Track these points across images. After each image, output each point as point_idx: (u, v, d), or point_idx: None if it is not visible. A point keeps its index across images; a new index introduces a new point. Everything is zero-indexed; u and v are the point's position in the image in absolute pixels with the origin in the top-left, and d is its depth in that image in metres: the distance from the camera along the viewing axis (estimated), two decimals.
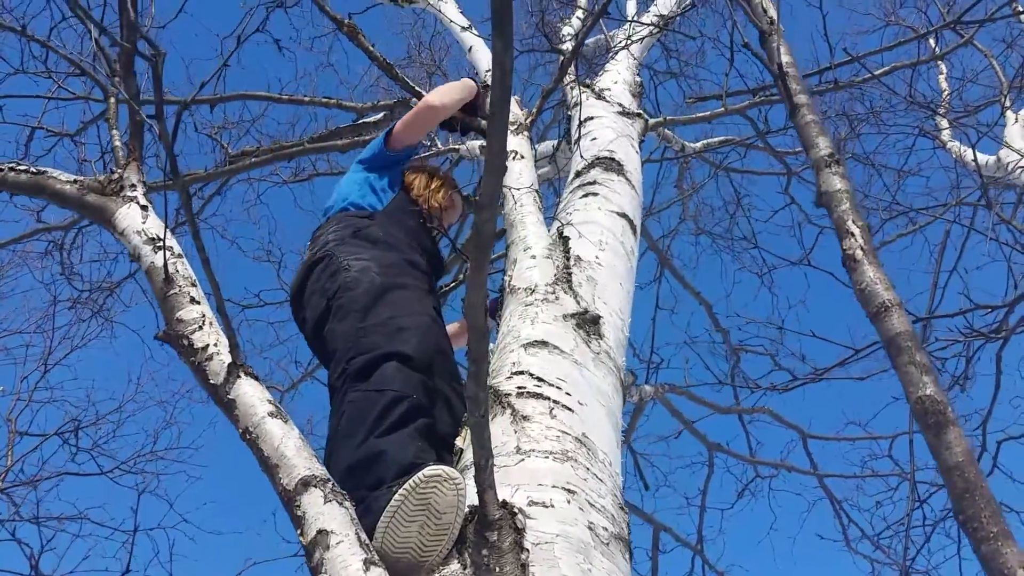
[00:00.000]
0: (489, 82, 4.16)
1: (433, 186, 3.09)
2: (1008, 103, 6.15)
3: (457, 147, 6.02)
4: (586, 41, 5.70)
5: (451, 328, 3.14)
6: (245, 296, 6.70)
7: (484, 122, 3.52)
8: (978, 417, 4.38)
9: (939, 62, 7.21)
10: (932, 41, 6.53)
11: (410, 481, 1.84)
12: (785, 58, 2.11)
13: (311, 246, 2.75)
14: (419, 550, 1.77)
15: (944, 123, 6.70)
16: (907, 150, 6.69)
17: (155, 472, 7.93)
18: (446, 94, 3.06)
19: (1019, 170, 5.18)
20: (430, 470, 1.84)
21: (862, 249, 1.68)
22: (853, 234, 1.71)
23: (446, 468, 1.85)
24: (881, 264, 1.69)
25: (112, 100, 2.99)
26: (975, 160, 5.03)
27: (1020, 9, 5.74)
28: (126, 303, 6.84)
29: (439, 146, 6.14)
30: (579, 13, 5.58)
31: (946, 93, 7.24)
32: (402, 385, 2.21)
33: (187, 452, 8.29)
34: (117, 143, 2.80)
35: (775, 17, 2.20)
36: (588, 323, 2.62)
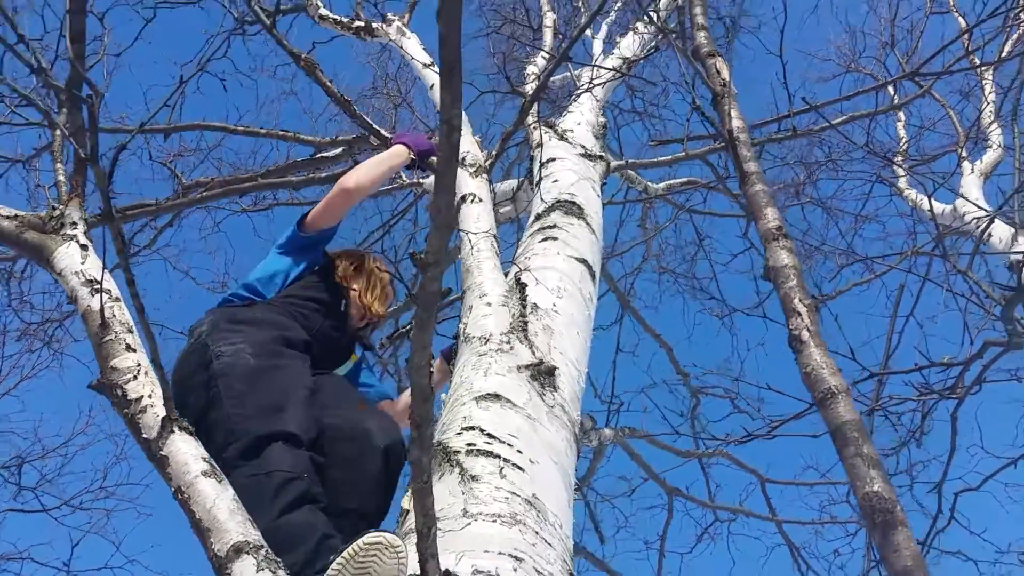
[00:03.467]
0: None
1: (356, 271, 3.01)
2: (964, 153, 6.24)
3: (420, 181, 5.97)
4: (552, 78, 5.70)
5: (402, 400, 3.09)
6: None
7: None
8: (934, 464, 4.38)
9: (898, 111, 7.32)
10: (891, 90, 6.63)
11: (350, 548, 1.75)
12: (736, 123, 2.08)
13: (188, 338, 2.57)
14: None
15: (901, 171, 6.79)
16: (864, 196, 6.77)
17: (103, 509, 7.69)
18: (365, 174, 2.94)
19: (974, 220, 5.24)
20: (370, 537, 1.76)
21: (808, 330, 1.64)
22: (800, 313, 1.67)
23: (387, 535, 1.77)
24: (826, 346, 1.64)
25: (58, 132, 2.89)
26: (931, 209, 5.08)
27: (977, 62, 5.84)
28: (76, 337, 6.64)
29: (404, 179, 6.09)
30: (543, 53, 5.58)
31: (904, 141, 7.35)
32: (291, 466, 2.12)
33: (138, 488, 8.05)
34: (61, 178, 2.70)
35: (727, 79, 2.18)
36: (543, 375, 2.56)
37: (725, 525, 6.75)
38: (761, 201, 1.98)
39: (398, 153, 3.13)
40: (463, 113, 3.75)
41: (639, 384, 6.72)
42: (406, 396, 3.09)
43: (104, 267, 2.30)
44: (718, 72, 2.22)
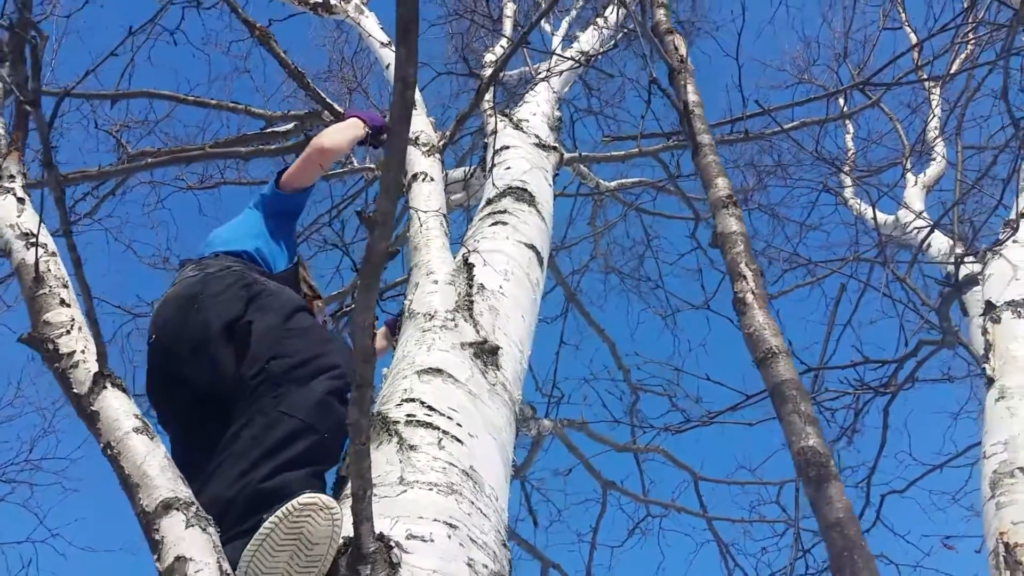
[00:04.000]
0: None
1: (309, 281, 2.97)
2: (909, 165, 6.39)
3: (372, 166, 5.93)
4: (509, 72, 5.70)
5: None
6: (137, 304, 6.39)
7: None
8: (864, 469, 4.48)
9: (846, 122, 7.47)
10: (841, 101, 6.76)
11: (283, 508, 1.73)
12: (692, 97, 2.11)
13: (190, 271, 2.50)
14: None
15: (847, 180, 6.92)
16: (811, 204, 6.89)
17: (27, 482, 7.50)
18: (335, 137, 2.93)
19: (915, 231, 5.37)
20: (305, 498, 1.74)
21: (753, 293, 1.67)
22: (745, 277, 1.71)
23: (322, 496, 1.76)
24: (770, 310, 1.68)
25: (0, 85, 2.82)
26: (875, 218, 5.19)
27: (925, 76, 5.99)
28: (8, 303, 6.46)
29: (355, 164, 6.04)
30: (503, 42, 5.58)
31: (851, 152, 7.50)
32: (319, 418, 2.09)
33: (64, 463, 7.86)
34: (0, 131, 2.63)
35: (684, 55, 2.21)
36: (486, 353, 2.56)
37: (657, 520, 6.83)
38: (713, 171, 2.01)
39: (355, 124, 3.10)
40: (417, 93, 3.74)
41: (580, 378, 6.75)
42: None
43: (41, 221, 2.24)
44: (676, 48, 2.25)
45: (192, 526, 1.67)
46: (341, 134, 2.97)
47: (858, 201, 6.91)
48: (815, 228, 6.72)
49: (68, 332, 2.03)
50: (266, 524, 1.73)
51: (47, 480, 7.83)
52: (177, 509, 1.69)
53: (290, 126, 4.09)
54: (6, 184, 2.42)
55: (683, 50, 2.23)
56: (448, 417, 2.21)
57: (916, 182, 6.39)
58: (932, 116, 6.54)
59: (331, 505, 1.75)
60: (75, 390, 1.93)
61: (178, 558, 1.62)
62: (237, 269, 2.46)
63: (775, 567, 5.69)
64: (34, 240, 2.19)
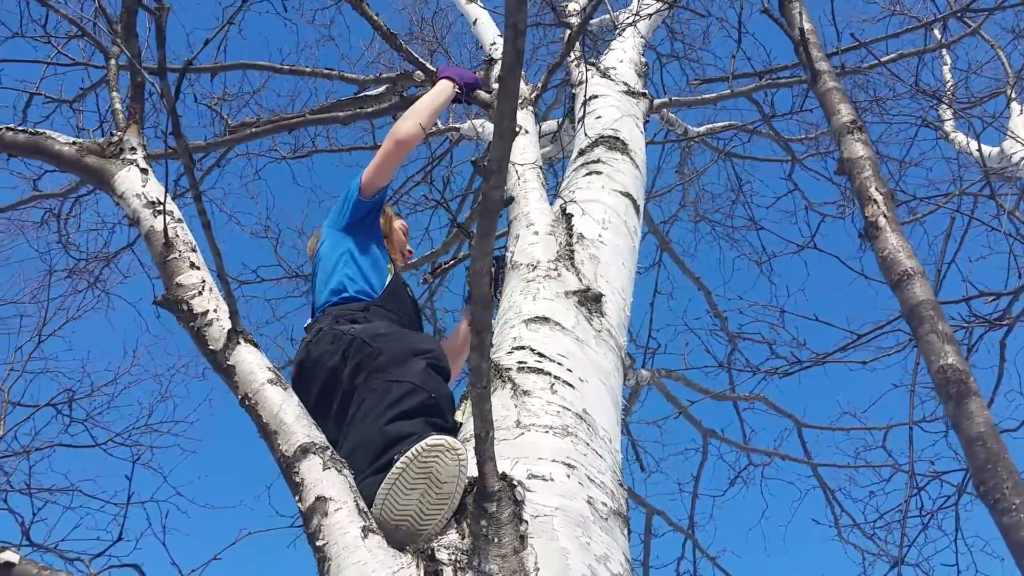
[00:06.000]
0: (494, 56, 4.12)
1: (390, 220, 3.06)
2: (1014, 94, 6.12)
3: (458, 126, 5.98)
4: (592, 21, 5.65)
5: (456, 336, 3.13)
6: (242, 272, 6.64)
7: (487, 95, 3.48)
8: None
9: (944, 52, 7.17)
10: (937, 32, 6.48)
11: (412, 449, 1.82)
12: (806, 24, 2.07)
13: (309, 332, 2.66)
14: (418, 519, 1.76)
15: (948, 113, 6.66)
16: (909, 140, 6.66)
17: (149, 445, 7.89)
18: (414, 120, 2.91)
19: (1022, 161, 5.16)
20: (432, 439, 1.82)
21: (885, 216, 1.66)
22: (876, 201, 1.69)
23: (448, 438, 1.84)
24: (902, 231, 1.66)
25: (113, 62, 2.95)
26: (979, 150, 5.00)
27: None
28: (124, 273, 6.78)
29: (439, 125, 6.10)
30: None
31: (950, 84, 7.20)
32: (424, 381, 2.25)
33: (182, 426, 8.25)
34: (117, 106, 2.76)
35: None
36: (590, 301, 2.60)
37: (759, 469, 6.79)
38: (834, 98, 1.98)
39: (443, 89, 3.14)
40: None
41: (675, 328, 6.71)
42: (462, 328, 3.14)
43: (166, 189, 2.36)
44: None
45: (329, 468, 1.77)
46: (423, 113, 2.97)
47: (960, 135, 6.65)
48: (915, 164, 6.50)
49: (200, 293, 2.14)
50: (397, 464, 1.82)
51: (167, 442, 8.23)
52: (314, 453, 1.80)
53: (382, 88, 4.16)
54: (128, 156, 2.54)
55: None
56: (558, 363, 2.26)
57: (1022, 110, 6.11)
58: None
59: (457, 446, 1.82)
60: (211, 347, 2.05)
61: (318, 498, 1.72)
62: (328, 322, 2.58)
63: (883, 511, 5.62)
64: (161, 208, 2.32)
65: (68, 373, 9.37)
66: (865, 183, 1.75)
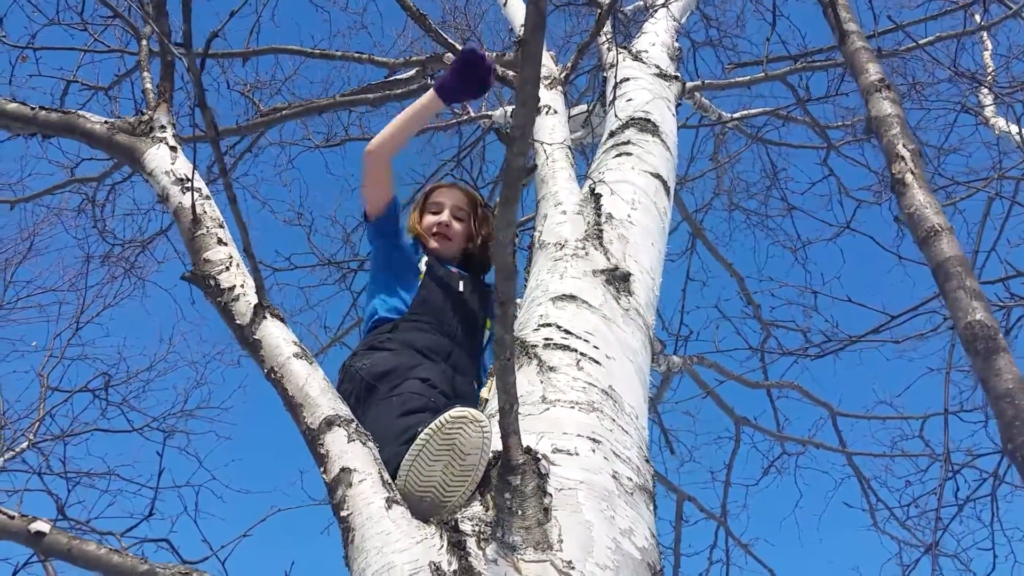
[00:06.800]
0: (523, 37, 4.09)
1: (418, 213, 2.99)
2: None
3: (489, 114, 5.97)
4: (626, 8, 5.60)
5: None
6: (275, 259, 6.69)
7: (512, 73, 3.45)
8: None
9: (984, 36, 7.02)
10: (977, 17, 6.35)
11: (436, 421, 1.82)
12: None
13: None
14: (442, 490, 1.75)
15: (988, 98, 6.53)
16: (948, 126, 6.53)
17: (184, 430, 8.01)
18: (383, 132, 2.75)
19: None
20: (456, 411, 1.82)
21: (912, 173, 1.62)
22: (903, 157, 1.65)
23: (472, 410, 1.83)
24: (929, 187, 1.62)
25: (144, 43, 2.97)
26: (1021, 133, 4.89)
27: None
28: (159, 259, 6.88)
29: (471, 113, 6.09)
30: None
31: (991, 69, 7.05)
32: (420, 393, 2.25)
33: (216, 412, 8.36)
34: (148, 85, 2.78)
35: None
36: (618, 280, 2.58)
37: (793, 459, 6.72)
38: (863, 57, 1.95)
39: (424, 98, 2.91)
40: None
41: (707, 316, 6.66)
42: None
43: (194, 167, 2.38)
44: None
45: (353, 440, 1.77)
46: (388, 126, 2.77)
47: (1001, 120, 6.51)
48: (954, 151, 6.38)
49: (227, 268, 2.16)
50: (420, 436, 1.82)
51: (203, 428, 8.34)
52: (339, 425, 1.80)
53: (412, 72, 4.16)
54: (158, 134, 2.57)
55: None
56: (584, 340, 2.25)
57: None
58: None
59: (480, 419, 1.82)
60: (237, 321, 2.06)
61: (343, 469, 1.72)
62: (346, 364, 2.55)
63: (919, 502, 5.54)
64: (189, 185, 2.33)
65: (105, 359, 9.54)
66: (892, 140, 1.71)
